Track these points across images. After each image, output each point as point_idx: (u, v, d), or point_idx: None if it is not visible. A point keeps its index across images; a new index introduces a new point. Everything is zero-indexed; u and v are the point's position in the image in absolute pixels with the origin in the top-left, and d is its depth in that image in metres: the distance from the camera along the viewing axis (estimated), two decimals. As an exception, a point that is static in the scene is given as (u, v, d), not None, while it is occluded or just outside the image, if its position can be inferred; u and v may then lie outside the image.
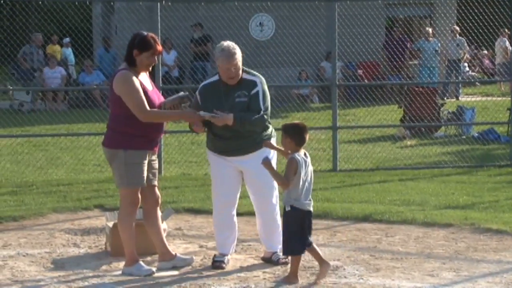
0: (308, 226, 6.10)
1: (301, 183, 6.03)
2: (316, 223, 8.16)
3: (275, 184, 6.44)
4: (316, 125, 14.78)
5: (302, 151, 6.12)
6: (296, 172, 6.00)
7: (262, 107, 6.36)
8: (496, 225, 7.88)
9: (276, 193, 6.55)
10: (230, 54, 6.30)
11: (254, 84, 6.38)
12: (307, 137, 6.12)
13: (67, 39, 21.84)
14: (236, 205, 6.64)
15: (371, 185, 10.43)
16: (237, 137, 6.34)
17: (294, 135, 6.05)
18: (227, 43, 6.39)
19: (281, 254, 6.45)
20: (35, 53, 19.22)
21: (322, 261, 6.11)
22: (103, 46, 20.79)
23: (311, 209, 6.15)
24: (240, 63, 6.36)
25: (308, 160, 6.15)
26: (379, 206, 8.96)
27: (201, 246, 7.27)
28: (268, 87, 6.60)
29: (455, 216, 8.32)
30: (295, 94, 19.13)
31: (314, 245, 6.16)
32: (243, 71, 6.43)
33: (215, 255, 6.63)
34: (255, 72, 6.53)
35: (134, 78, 6.22)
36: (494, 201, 9.26)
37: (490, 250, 7.11)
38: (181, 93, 6.44)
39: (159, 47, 6.33)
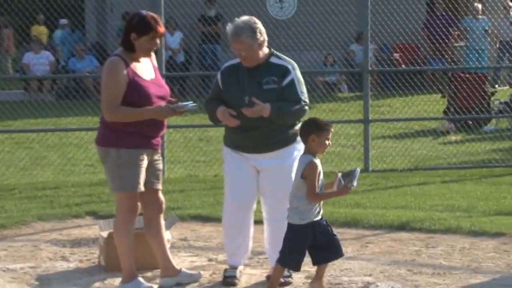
0: None
1: None
2: (344, 232, 8.20)
3: None
4: (344, 117, 14.76)
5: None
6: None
7: (301, 96, 6.37)
8: (555, 235, 7.86)
9: None
10: (234, 34, 6.34)
11: (285, 70, 6.37)
12: (301, 132, 6.13)
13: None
14: (253, 210, 6.62)
15: (409, 187, 10.41)
16: (260, 130, 6.32)
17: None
18: (240, 20, 6.40)
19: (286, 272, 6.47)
20: None
21: None
22: (68, 27, 20.88)
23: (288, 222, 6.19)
24: (253, 46, 6.32)
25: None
26: (418, 213, 8.94)
27: (210, 260, 7.29)
28: None
29: (508, 224, 8.29)
30: (320, 82, 19.11)
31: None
32: (273, 54, 6.44)
33: (225, 270, 6.65)
34: (286, 57, 6.53)
35: (121, 69, 6.22)
36: (554, 206, 9.25)
37: (549, 263, 7.09)
38: (190, 104, 6.37)
39: (161, 29, 6.34)
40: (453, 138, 14.12)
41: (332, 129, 6.08)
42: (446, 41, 18.90)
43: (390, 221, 8.46)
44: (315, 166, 5.97)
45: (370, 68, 12.05)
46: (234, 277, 6.56)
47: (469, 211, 9.00)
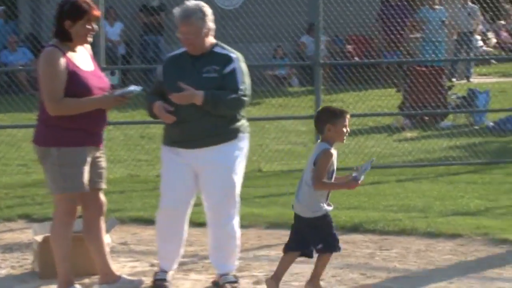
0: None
1: None
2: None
3: (237, 191, 6.45)
4: (295, 113, 14.81)
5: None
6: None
7: (240, 86, 6.36)
8: (514, 235, 7.97)
9: (236, 201, 6.52)
10: (184, 16, 6.36)
11: (228, 59, 6.40)
12: (316, 123, 6.19)
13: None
14: (187, 214, 6.62)
15: (362, 187, 10.34)
16: (197, 122, 6.31)
17: None
18: (190, 3, 6.44)
19: (231, 277, 6.47)
20: None
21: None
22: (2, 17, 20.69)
23: (294, 212, 6.21)
24: (202, 30, 6.35)
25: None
26: (371, 213, 9.00)
27: (152, 265, 7.27)
28: None
29: (465, 224, 8.39)
30: (269, 76, 19.16)
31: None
32: (217, 45, 6.48)
33: (156, 273, 6.66)
34: (231, 48, 6.55)
35: (59, 59, 6.17)
36: (513, 205, 9.38)
37: (507, 265, 7.18)
38: (136, 88, 6.34)
39: (96, 11, 6.32)
40: (408, 134, 14.24)
41: (349, 116, 6.08)
42: (401, 32, 19.05)
43: (342, 222, 8.50)
44: (329, 154, 6.01)
45: (321, 61, 12.09)
46: (164, 280, 6.58)
47: (425, 211, 9.08)
